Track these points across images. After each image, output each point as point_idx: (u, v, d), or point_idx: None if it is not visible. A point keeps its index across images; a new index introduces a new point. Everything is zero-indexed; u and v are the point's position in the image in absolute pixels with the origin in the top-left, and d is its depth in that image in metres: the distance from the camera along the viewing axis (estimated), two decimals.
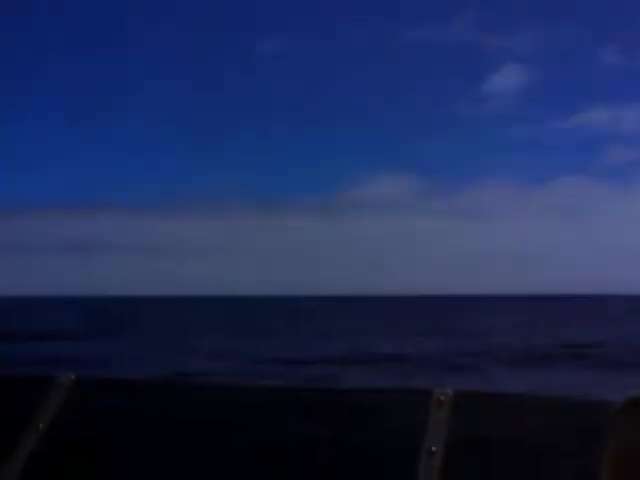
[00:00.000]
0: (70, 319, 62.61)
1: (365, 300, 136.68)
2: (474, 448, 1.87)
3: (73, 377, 2.25)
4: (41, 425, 2.14)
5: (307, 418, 2.05)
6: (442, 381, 23.18)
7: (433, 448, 1.83)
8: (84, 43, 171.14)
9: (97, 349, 34.12)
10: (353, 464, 1.94)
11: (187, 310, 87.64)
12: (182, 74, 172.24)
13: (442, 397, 1.92)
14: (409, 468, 1.82)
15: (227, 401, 2.15)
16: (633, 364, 27.05)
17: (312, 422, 2.04)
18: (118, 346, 36.09)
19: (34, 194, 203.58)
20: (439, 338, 40.07)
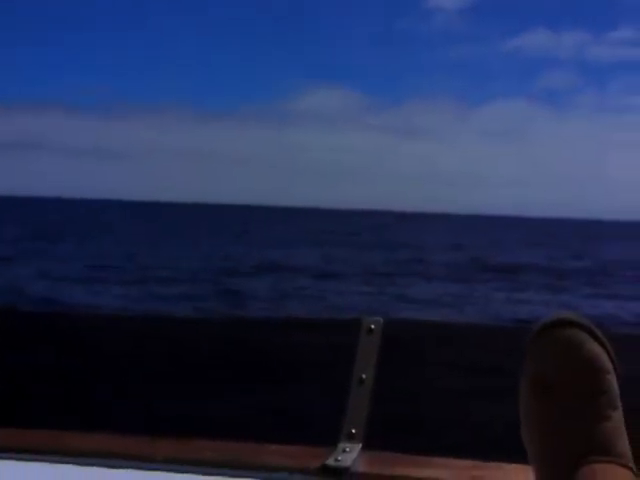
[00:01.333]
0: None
1: (304, 212, 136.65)
2: (404, 375, 1.93)
3: None
4: None
5: (238, 346, 2.13)
6: (363, 296, 22.88)
7: (363, 376, 1.85)
8: None
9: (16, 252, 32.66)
10: (284, 393, 2.02)
11: (109, 215, 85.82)
12: None
13: (372, 325, 1.92)
14: (340, 396, 1.84)
15: (137, 331, 2.23)
16: (558, 288, 26.85)
17: (245, 349, 2.11)
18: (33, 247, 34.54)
19: None
20: (368, 252, 39.64)
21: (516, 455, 1.42)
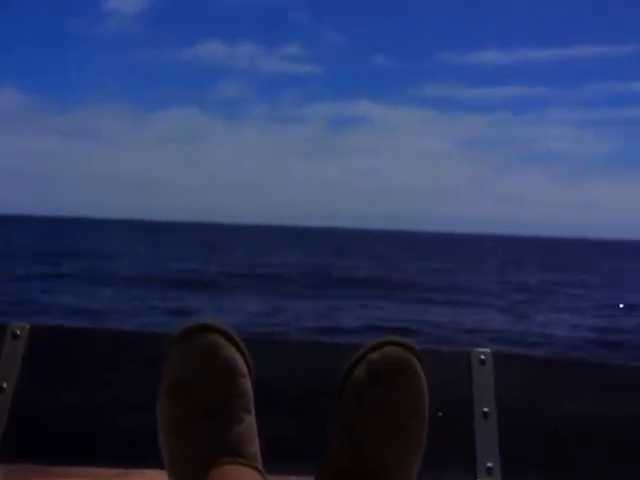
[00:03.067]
0: None
1: None
2: (53, 383, 1.84)
3: None
4: None
5: None
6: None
7: (4, 384, 1.77)
8: None
9: None
10: None
11: None
12: None
13: (18, 331, 1.85)
14: None
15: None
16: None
17: None
18: None
19: None
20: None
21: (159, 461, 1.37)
